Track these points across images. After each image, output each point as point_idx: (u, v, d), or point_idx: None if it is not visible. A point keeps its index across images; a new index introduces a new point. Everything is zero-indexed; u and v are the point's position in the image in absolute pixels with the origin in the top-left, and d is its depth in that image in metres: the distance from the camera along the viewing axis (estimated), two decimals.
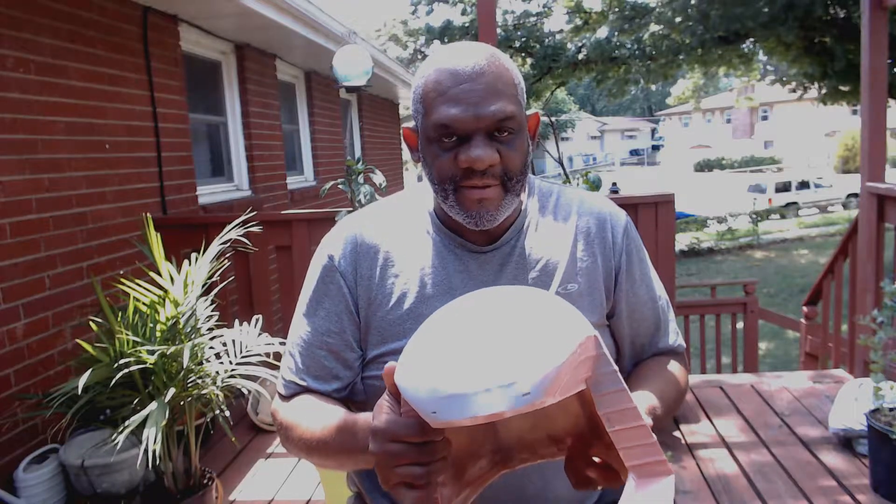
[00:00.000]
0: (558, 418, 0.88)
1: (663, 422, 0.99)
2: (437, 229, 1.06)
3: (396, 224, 1.08)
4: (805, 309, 4.65)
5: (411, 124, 1.04)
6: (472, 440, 0.89)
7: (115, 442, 1.95)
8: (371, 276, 1.04)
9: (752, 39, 10.39)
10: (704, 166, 41.00)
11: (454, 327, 0.74)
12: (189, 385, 2.19)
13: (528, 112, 1.04)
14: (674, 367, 1.10)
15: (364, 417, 0.92)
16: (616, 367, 0.73)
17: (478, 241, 1.04)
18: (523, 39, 12.47)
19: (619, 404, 0.72)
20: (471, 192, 0.95)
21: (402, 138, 1.13)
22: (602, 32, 12.27)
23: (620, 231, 1.10)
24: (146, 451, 1.87)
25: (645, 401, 0.92)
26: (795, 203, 21.33)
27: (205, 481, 2.34)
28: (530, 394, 0.64)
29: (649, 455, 0.72)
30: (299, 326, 1.08)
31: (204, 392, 2.21)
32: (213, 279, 2.39)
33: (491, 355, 0.67)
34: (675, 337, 1.15)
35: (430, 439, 0.75)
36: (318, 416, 0.99)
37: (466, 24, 12.89)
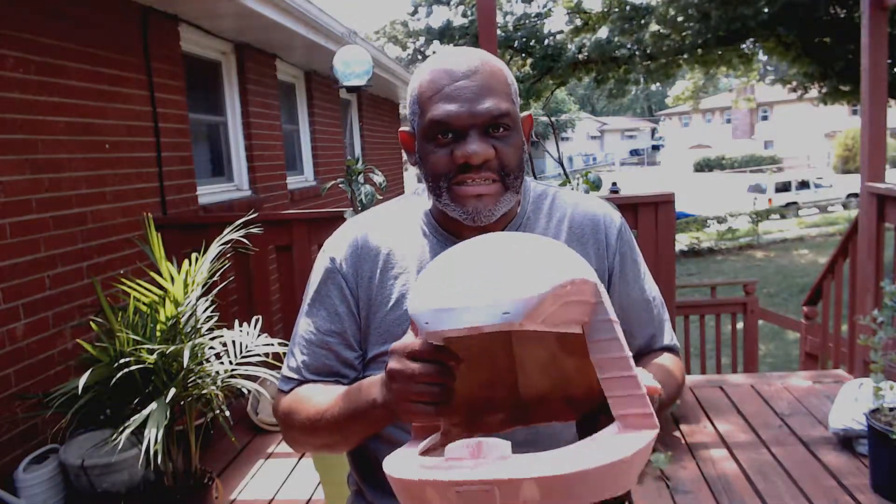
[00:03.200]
0: (576, 382, 0.90)
1: (662, 411, 1.00)
2: (434, 231, 1.07)
3: (396, 227, 1.09)
4: (805, 309, 4.65)
5: (407, 128, 1.06)
6: (491, 390, 0.92)
7: (116, 442, 1.95)
8: (371, 277, 1.06)
9: (752, 39, 10.39)
10: (704, 166, 41.00)
11: (460, 255, 0.79)
12: (189, 385, 2.19)
13: (522, 114, 1.06)
14: (672, 361, 1.11)
15: (369, 378, 0.95)
16: (615, 319, 0.75)
17: None
18: (523, 40, 12.48)
19: (610, 352, 0.73)
20: (467, 188, 0.97)
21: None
22: (602, 33, 12.28)
23: (615, 233, 1.11)
24: (146, 451, 1.87)
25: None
26: (795, 203, 21.33)
27: (205, 481, 2.34)
28: (510, 313, 0.68)
29: (636, 406, 0.72)
30: (301, 325, 1.09)
31: (204, 392, 2.21)
32: (214, 279, 2.39)
33: (483, 276, 0.72)
34: (669, 337, 1.16)
35: (443, 358, 0.79)
36: (321, 392, 1.02)
37: (466, 25, 12.90)
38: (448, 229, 1.06)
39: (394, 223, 1.10)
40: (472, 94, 0.95)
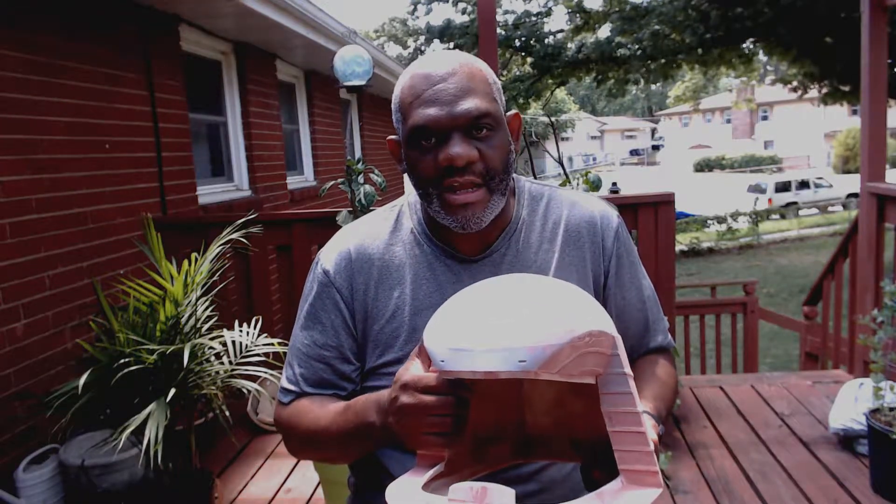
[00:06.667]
0: (582, 424, 0.90)
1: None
2: (427, 240, 1.07)
3: (390, 236, 1.09)
4: (805, 309, 4.65)
5: (395, 136, 1.05)
6: (498, 423, 0.92)
7: (116, 442, 1.95)
8: (366, 289, 1.06)
9: (752, 39, 10.40)
10: (704, 166, 41.02)
11: (480, 294, 0.79)
12: (189, 385, 2.19)
13: (509, 112, 1.05)
14: (665, 368, 1.11)
15: (363, 397, 0.96)
16: (630, 373, 0.74)
17: (469, 251, 1.05)
18: (524, 39, 12.48)
19: (622, 406, 0.73)
20: (454, 196, 0.96)
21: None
22: (602, 32, 12.29)
23: (611, 234, 1.10)
24: (146, 451, 1.87)
25: (649, 417, 0.91)
26: (795, 203, 21.34)
27: (205, 481, 2.34)
28: (526, 362, 0.69)
29: (642, 462, 0.72)
30: (297, 339, 1.09)
31: (204, 392, 2.21)
32: (214, 279, 2.39)
33: (502, 321, 0.73)
34: (663, 337, 1.16)
35: (457, 392, 0.79)
36: (318, 408, 1.02)
37: (466, 24, 12.90)
38: (441, 238, 1.06)
39: (388, 232, 1.09)
40: (450, 96, 0.95)
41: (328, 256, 1.09)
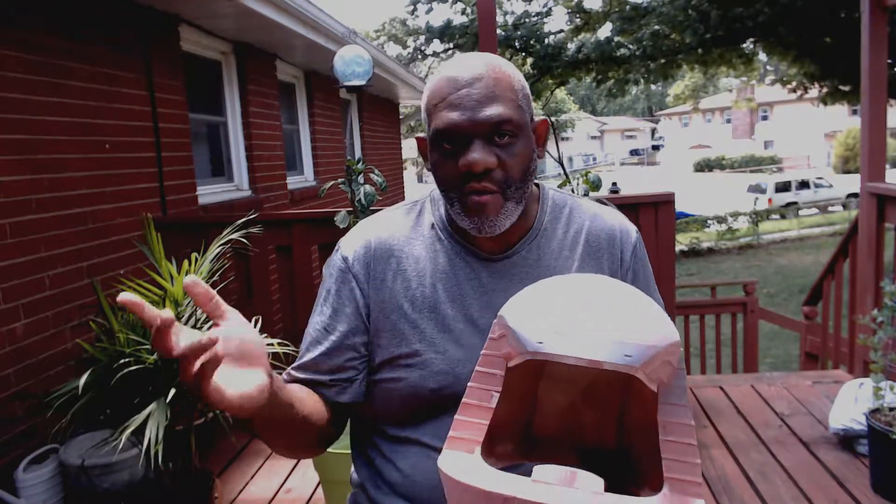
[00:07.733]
0: (589, 434, 0.91)
1: None
2: (448, 236, 1.08)
3: (411, 229, 1.10)
4: (805, 309, 4.65)
5: (423, 134, 1.07)
6: (509, 420, 0.92)
7: (116, 442, 1.95)
8: (384, 279, 1.06)
9: (752, 39, 10.41)
10: (704, 166, 41.05)
11: (573, 287, 0.80)
12: None
13: (537, 118, 1.05)
14: None
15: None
16: (687, 386, 0.75)
17: (489, 250, 1.06)
18: (524, 39, 12.48)
19: (678, 417, 0.75)
20: (471, 198, 0.97)
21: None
22: (602, 33, 12.29)
23: (630, 250, 1.11)
24: (146, 451, 1.87)
25: None
26: (795, 203, 21.34)
27: (205, 481, 2.34)
28: (632, 357, 0.70)
29: (689, 473, 0.74)
30: (311, 324, 1.10)
31: None
32: (214, 279, 2.39)
33: (607, 315, 0.74)
34: None
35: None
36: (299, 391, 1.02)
37: (466, 24, 12.91)
38: (462, 235, 1.07)
39: (409, 226, 1.10)
40: (474, 101, 0.95)
41: (349, 245, 1.10)
